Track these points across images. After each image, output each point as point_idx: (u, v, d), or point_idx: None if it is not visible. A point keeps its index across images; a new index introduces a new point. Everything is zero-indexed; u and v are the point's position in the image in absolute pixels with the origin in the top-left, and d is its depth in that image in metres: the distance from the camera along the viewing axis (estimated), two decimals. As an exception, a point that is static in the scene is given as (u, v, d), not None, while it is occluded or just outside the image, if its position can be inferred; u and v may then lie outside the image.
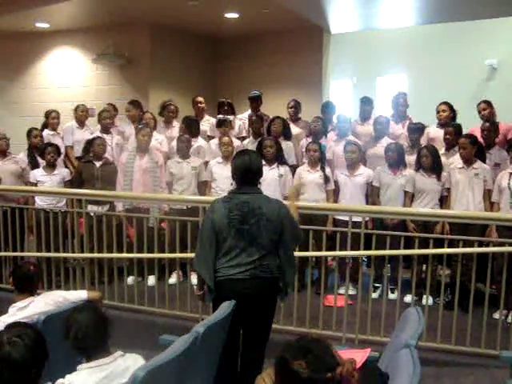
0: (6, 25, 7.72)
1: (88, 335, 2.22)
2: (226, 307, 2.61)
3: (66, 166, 5.90)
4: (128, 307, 4.53)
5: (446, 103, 5.44)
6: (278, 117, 5.70)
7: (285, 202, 3.24)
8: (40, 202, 5.15)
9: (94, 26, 7.84)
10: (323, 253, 4.27)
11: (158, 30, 7.86)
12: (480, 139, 4.85)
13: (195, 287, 3.29)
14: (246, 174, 2.97)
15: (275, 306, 3.09)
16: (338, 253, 4.27)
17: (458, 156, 4.73)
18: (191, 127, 5.75)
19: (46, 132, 6.10)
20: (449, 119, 5.35)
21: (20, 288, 3.12)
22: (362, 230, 3.99)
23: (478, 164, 4.61)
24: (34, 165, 5.55)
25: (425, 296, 4.18)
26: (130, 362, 2.26)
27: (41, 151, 5.47)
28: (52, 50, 8.50)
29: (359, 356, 2.04)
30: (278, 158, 5.14)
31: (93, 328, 2.24)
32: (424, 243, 4.01)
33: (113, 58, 7.84)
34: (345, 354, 1.99)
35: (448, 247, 3.98)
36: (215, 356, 2.66)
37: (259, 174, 3.02)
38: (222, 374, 2.84)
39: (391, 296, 4.60)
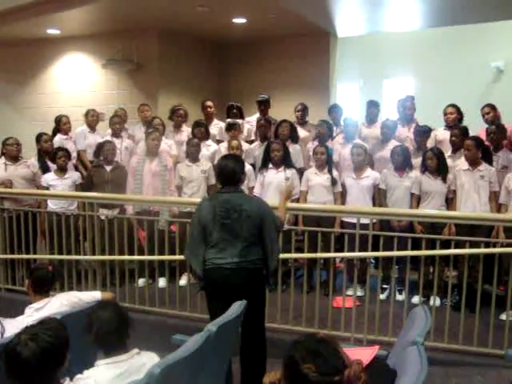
0: (19, 31, 7.84)
1: (109, 332, 2.30)
2: (237, 307, 2.66)
3: (77, 170, 5.99)
4: (139, 308, 4.59)
5: (453, 105, 5.48)
6: (285, 120, 5.73)
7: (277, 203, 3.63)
8: (52, 205, 5.24)
9: (104, 32, 7.95)
10: (331, 254, 4.33)
11: (167, 35, 7.94)
12: (487, 142, 4.88)
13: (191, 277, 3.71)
14: (222, 176, 3.34)
15: (263, 294, 3.38)
16: (345, 254, 4.32)
17: (463, 158, 4.77)
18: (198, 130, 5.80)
19: (58, 137, 6.19)
20: (456, 121, 5.39)
21: (37, 289, 3.18)
22: (370, 232, 4.04)
23: (484, 166, 4.64)
24: (44, 169, 5.61)
25: (432, 297, 4.21)
26: (146, 360, 2.33)
27: (52, 156, 5.55)
28: (62, 56, 8.61)
29: (368, 353, 2.09)
30: (285, 162, 5.18)
31: (114, 326, 2.32)
32: (431, 244, 4.05)
33: (122, 63, 7.94)
34: (354, 351, 2.04)
35: (455, 248, 4.02)
36: (227, 354, 2.72)
37: (235, 176, 3.30)
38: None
39: (399, 297, 4.65)
